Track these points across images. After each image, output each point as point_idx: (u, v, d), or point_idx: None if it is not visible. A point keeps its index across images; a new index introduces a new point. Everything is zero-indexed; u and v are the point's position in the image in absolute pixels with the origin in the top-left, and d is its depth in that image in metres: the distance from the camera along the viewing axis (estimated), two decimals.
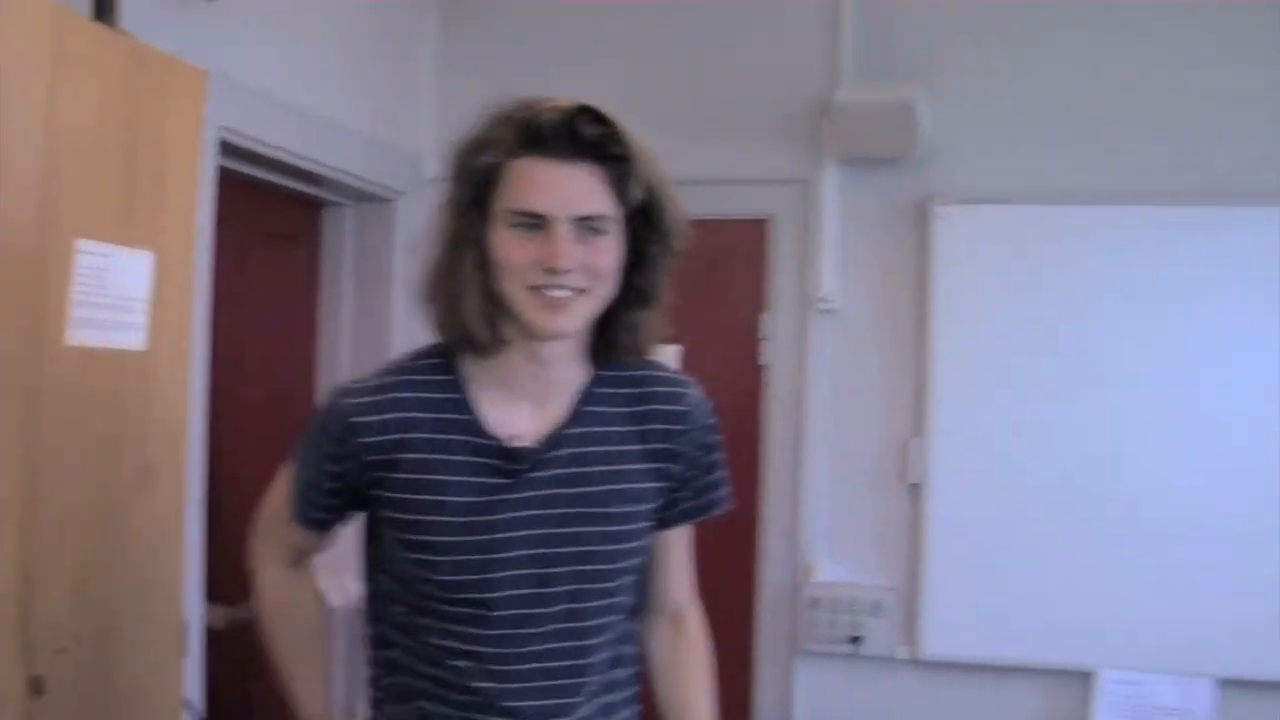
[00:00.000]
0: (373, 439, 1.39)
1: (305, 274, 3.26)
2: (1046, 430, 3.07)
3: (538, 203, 1.31)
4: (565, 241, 1.31)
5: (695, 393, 1.52)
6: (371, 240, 3.30)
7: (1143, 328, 3.04)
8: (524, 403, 1.42)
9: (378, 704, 1.51)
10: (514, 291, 1.34)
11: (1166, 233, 3.04)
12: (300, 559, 1.60)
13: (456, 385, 1.42)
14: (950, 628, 3.12)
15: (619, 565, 1.44)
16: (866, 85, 3.16)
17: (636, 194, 1.35)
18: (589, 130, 1.32)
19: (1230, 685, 2.97)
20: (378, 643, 1.51)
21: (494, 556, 1.38)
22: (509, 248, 1.33)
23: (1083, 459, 3.06)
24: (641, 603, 1.57)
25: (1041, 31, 3.17)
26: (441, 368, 1.43)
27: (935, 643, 3.13)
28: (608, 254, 1.35)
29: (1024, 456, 3.08)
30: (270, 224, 3.08)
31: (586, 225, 1.33)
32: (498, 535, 1.38)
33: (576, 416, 1.44)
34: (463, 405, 1.41)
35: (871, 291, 3.25)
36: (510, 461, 1.40)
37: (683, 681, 1.60)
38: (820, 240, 3.25)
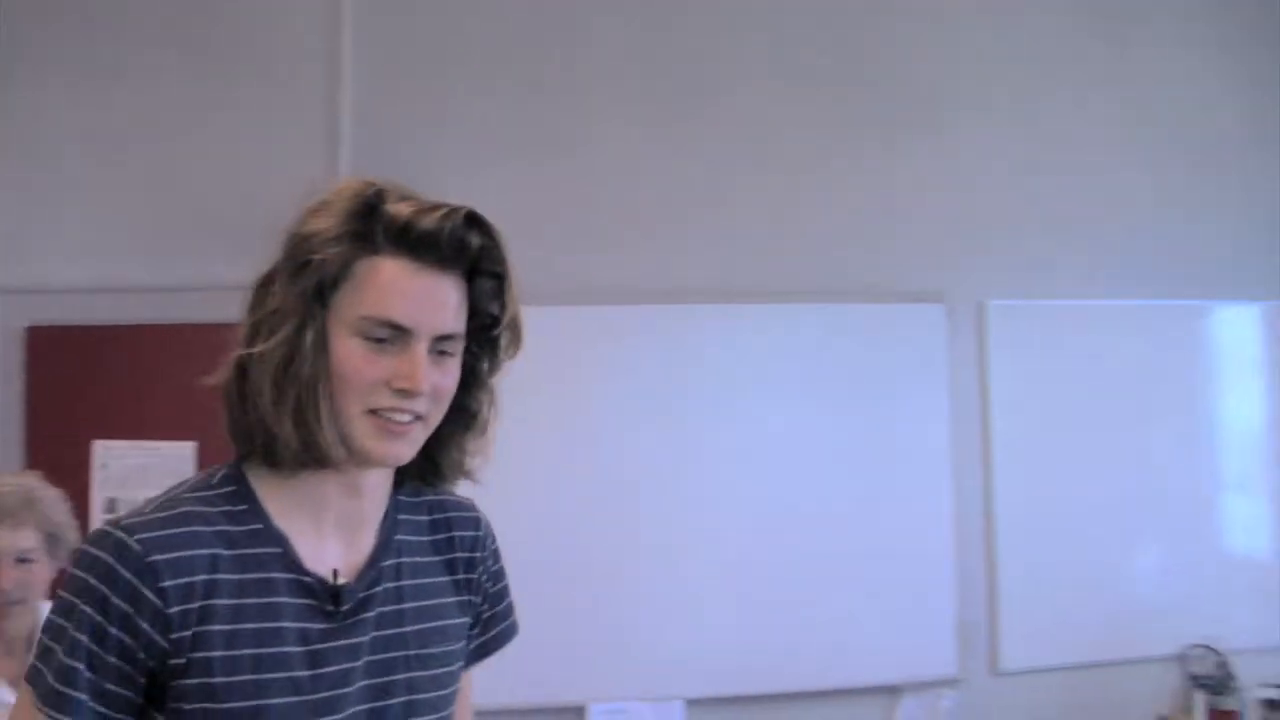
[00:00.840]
0: (178, 583, 1.10)
1: None
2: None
3: (403, 315, 1.13)
4: (424, 361, 1.14)
5: (484, 517, 1.38)
6: None
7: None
8: (333, 534, 1.21)
9: None
10: (352, 413, 1.15)
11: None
12: None
13: (258, 514, 1.17)
14: None
15: (443, 713, 1.27)
16: None
17: (495, 311, 1.20)
18: (475, 241, 1.17)
19: (696, 704, 3.40)
20: None
21: (327, 719, 1.16)
22: (356, 360, 1.14)
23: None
24: None
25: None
26: (233, 495, 1.18)
27: None
28: (453, 376, 1.20)
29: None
30: None
31: (441, 344, 1.17)
32: (334, 691, 1.16)
33: (385, 548, 1.25)
34: (271, 537, 1.17)
35: None
36: (333, 603, 1.18)
37: None
38: None
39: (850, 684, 3.56)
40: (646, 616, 3.41)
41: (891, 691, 3.62)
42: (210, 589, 1.11)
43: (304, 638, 1.15)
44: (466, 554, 1.32)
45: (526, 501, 3.15)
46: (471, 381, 1.24)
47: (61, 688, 1.09)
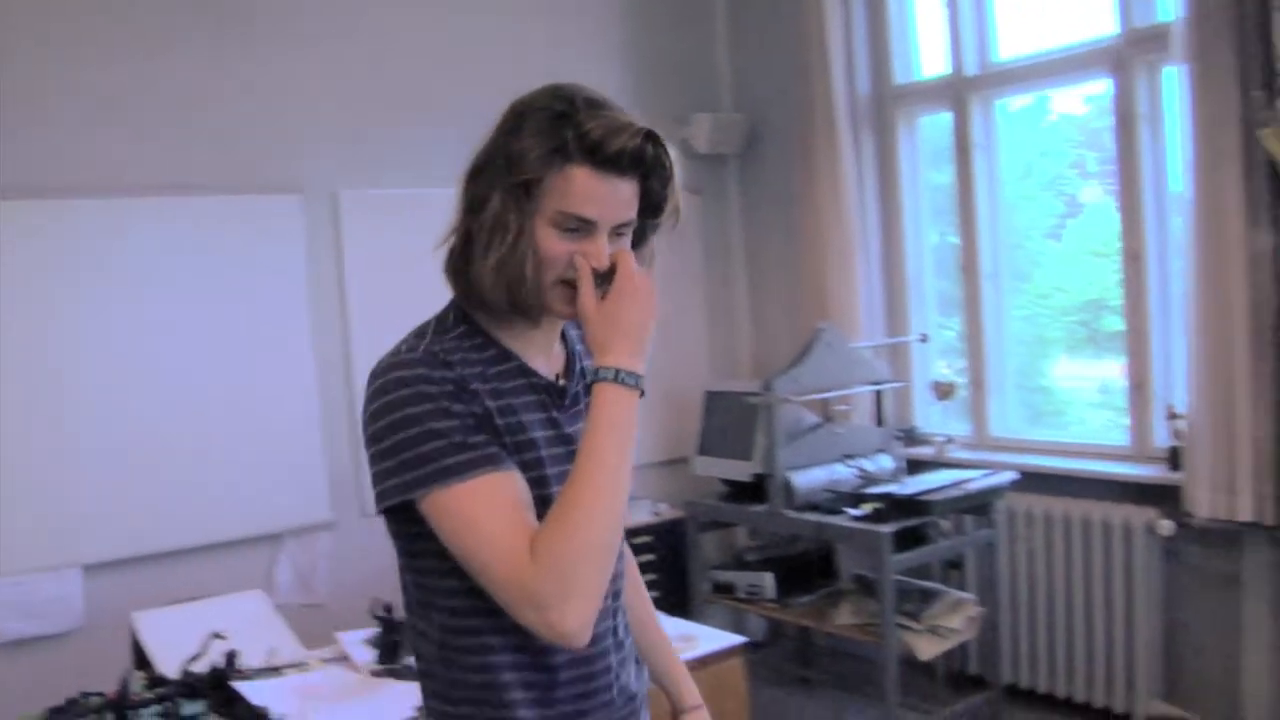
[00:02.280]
0: (469, 372, 1.43)
1: None
2: None
3: (591, 212, 1.42)
4: (605, 245, 1.44)
5: None
6: None
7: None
8: (537, 354, 1.54)
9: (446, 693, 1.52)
10: (546, 281, 1.44)
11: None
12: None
13: (492, 343, 1.50)
14: None
15: None
16: None
17: (661, 203, 1.50)
18: (650, 153, 1.44)
19: (93, 569, 3.89)
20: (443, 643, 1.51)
21: (553, 473, 1.49)
22: (552, 243, 1.43)
23: None
24: None
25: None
26: (466, 332, 1.50)
27: None
28: (627, 251, 1.49)
29: None
30: None
31: (617, 229, 1.46)
32: (570, 448, 1.49)
33: (574, 356, 1.61)
34: (507, 356, 1.51)
35: None
36: (559, 397, 1.54)
37: (628, 585, 1.73)
38: None
39: (237, 535, 4.14)
40: (37, 488, 3.76)
41: (274, 539, 4.27)
42: (484, 389, 1.44)
43: (552, 423, 1.51)
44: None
45: None
46: (635, 249, 1.53)
47: (465, 454, 1.38)
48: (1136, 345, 4.14)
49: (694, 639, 2.95)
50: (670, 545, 4.78)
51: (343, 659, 2.82)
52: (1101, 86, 4.21)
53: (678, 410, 5.01)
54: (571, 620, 1.33)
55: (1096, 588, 4.11)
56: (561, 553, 1.32)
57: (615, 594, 1.59)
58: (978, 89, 4.58)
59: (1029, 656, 4.36)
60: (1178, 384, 3.96)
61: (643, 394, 1.42)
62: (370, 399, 1.43)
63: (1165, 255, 4.03)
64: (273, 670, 2.71)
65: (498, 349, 1.51)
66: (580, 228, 1.43)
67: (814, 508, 4.08)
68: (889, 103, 4.88)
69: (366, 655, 2.79)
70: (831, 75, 4.74)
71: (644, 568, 4.70)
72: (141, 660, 2.90)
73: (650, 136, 1.43)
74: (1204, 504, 3.74)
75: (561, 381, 1.56)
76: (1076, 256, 4.54)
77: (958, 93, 4.61)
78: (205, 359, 4.11)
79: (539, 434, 1.49)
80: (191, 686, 2.53)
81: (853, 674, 4.73)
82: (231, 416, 4.16)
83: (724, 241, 5.51)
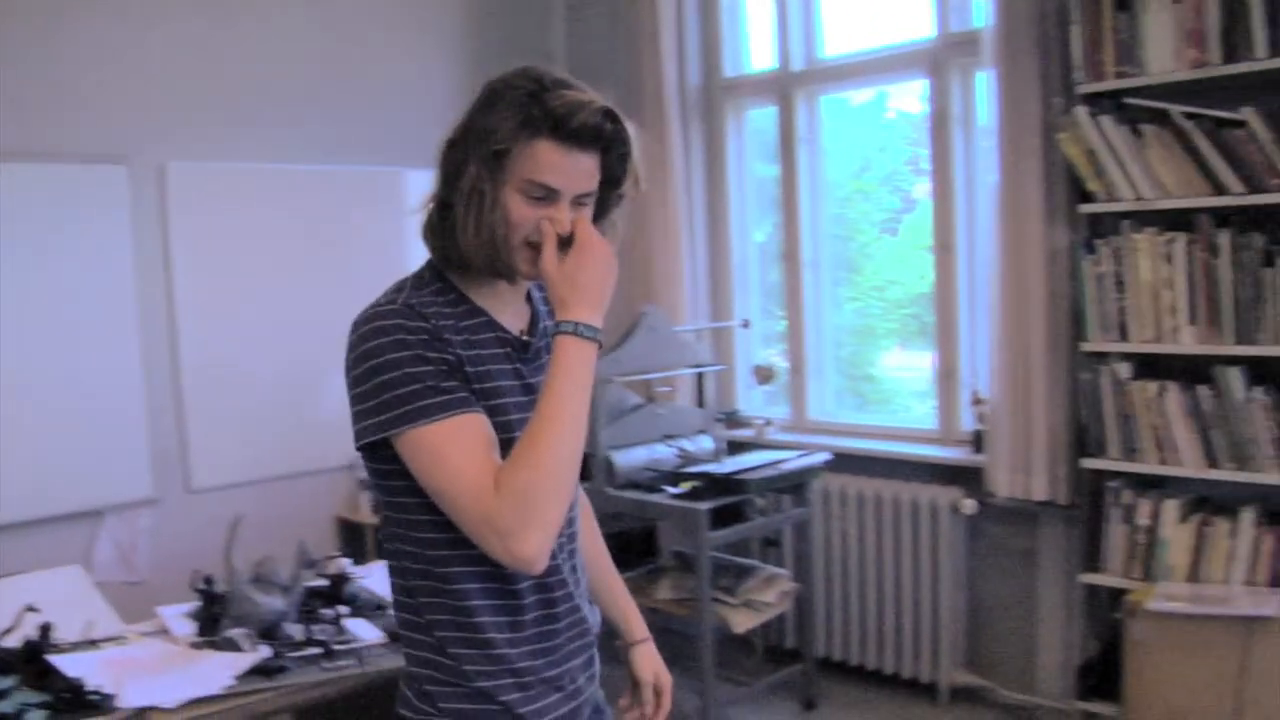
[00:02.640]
0: (443, 324, 1.57)
1: None
2: None
3: (555, 181, 1.55)
4: (567, 211, 1.57)
5: None
6: None
7: None
8: (506, 310, 1.68)
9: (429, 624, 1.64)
10: (514, 243, 1.58)
11: None
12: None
13: (465, 299, 1.64)
14: None
15: None
16: None
17: (620, 175, 1.64)
18: (609, 129, 1.57)
19: None
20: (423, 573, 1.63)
21: (516, 419, 1.60)
22: (520, 208, 1.56)
23: None
24: None
25: None
26: (441, 289, 1.63)
27: None
28: (586, 218, 1.61)
29: None
30: None
31: (579, 198, 1.59)
32: (531, 399, 1.59)
33: (538, 315, 1.74)
34: (477, 311, 1.64)
35: None
36: (523, 351, 1.67)
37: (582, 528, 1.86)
38: None
39: (55, 512, 4.01)
40: None
41: (95, 515, 4.14)
42: (456, 340, 1.57)
43: (517, 374, 1.64)
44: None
45: None
46: (598, 219, 1.67)
47: (438, 397, 1.51)
48: (945, 334, 4.36)
49: None
50: None
51: (162, 633, 2.78)
52: (919, 87, 4.41)
53: None
54: (530, 547, 1.46)
55: (905, 564, 4.32)
56: (522, 485, 1.46)
57: (571, 535, 1.74)
58: (803, 84, 4.73)
59: (842, 630, 4.55)
60: (983, 372, 4.19)
61: (601, 345, 1.56)
62: (352, 347, 1.57)
63: (974, 249, 4.25)
64: (90, 644, 2.65)
65: (469, 305, 1.64)
66: (545, 195, 1.56)
67: (635, 486, 4.16)
68: (718, 94, 5.00)
69: (187, 628, 2.76)
70: (662, 65, 4.83)
71: None
72: None
73: (609, 114, 1.57)
74: (1003, 484, 3.98)
75: (526, 337, 1.69)
76: (909, 251, 4.74)
77: (783, 87, 4.76)
78: (22, 332, 3.96)
79: (505, 383, 1.63)
80: (3, 660, 2.46)
81: (673, 648, 4.82)
82: (50, 391, 4.02)
83: None
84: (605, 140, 1.58)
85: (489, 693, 1.61)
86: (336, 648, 2.64)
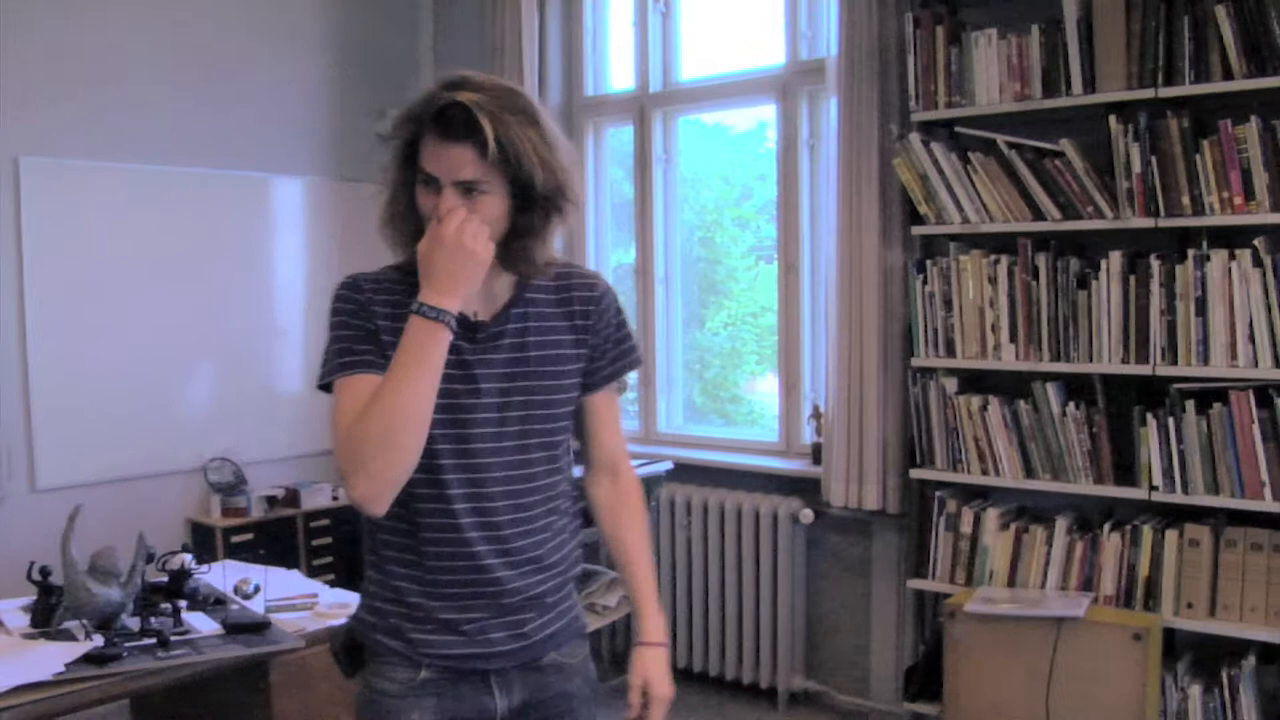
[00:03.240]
0: (378, 296, 1.80)
1: None
2: None
3: (432, 169, 1.71)
4: (450, 198, 1.71)
5: (605, 282, 1.97)
6: None
7: None
8: (470, 298, 1.78)
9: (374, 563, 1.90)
10: (423, 226, 1.75)
11: None
12: None
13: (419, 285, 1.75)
14: None
15: (554, 411, 1.88)
16: None
17: (510, 164, 1.70)
18: (462, 119, 1.68)
19: None
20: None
21: (467, 401, 1.79)
22: (422, 199, 1.75)
23: None
24: (585, 460, 2.04)
25: None
26: (409, 270, 1.77)
27: None
28: (485, 208, 1.72)
29: None
30: None
31: (465, 186, 1.71)
32: (473, 386, 1.80)
33: (516, 302, 1.86)
34: None
35: None
36: (471, 331, 1.80)
37: (619, 522, 2.10)
38: None
39: None
40: None
41: None
42: (386, 312, 1.78)
43: (454, 350, 1.75)
44: (582, 307, 1.91)
45: None
46: (524, 208, 1.77)
47: (347, 358, 1.76)
48: (790, 350, 4.52)
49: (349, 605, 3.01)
50: (348, 527, 4.83)
51: None
52: (769, 111, 4.58)
53: None
54: (357, 490, 1.69)
55: (747, 572, 4.45)
56: (356, 434, 1.68)
57: (534, 517, 1.91)
58: (659, 104, 4.87)
59: (685, 637, 4.65)
60: (823, 387, 4.35)
61: (449, 326, 1.70)
62: None
63: (818, 269, 4.42)
64: None
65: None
66: (429, 182, 1.73)
67: None
68: (579, 112, 5.10)
69: (21, 620, 2.74)
70: (524, 82, 4.91)
71: (321, 550, 4.77)
72: None
73: (464, 108, 1.68)
74: (839, 495, 4.13)
75: (479, 318, 1.83)
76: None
77: (641, 107, 4.89)
78: None
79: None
80: None
81: None
82: None
83: None
84: (467, 131, 1.68)
85: (384, 611, 1.86)
86: (172, 639, 2.65)
